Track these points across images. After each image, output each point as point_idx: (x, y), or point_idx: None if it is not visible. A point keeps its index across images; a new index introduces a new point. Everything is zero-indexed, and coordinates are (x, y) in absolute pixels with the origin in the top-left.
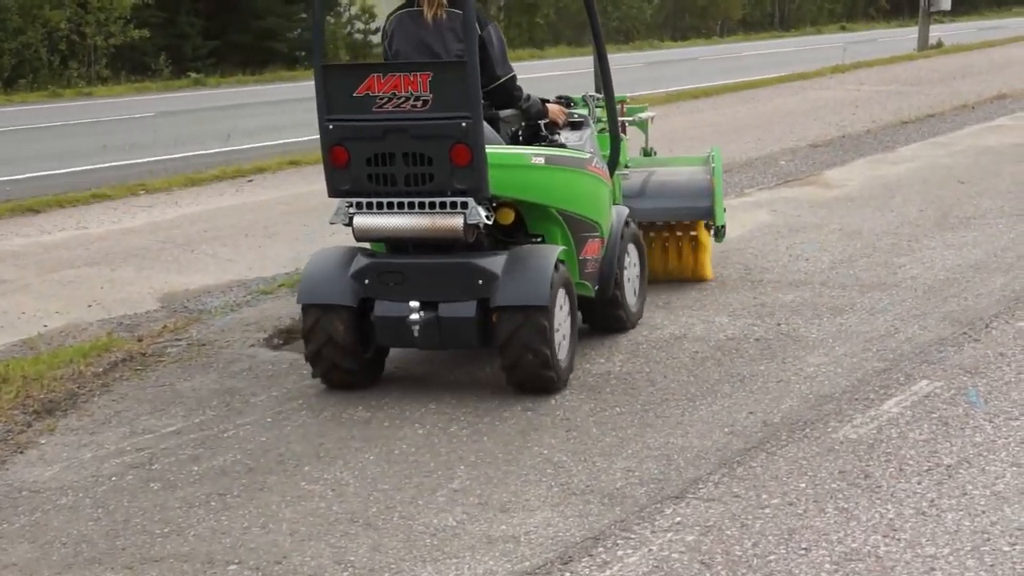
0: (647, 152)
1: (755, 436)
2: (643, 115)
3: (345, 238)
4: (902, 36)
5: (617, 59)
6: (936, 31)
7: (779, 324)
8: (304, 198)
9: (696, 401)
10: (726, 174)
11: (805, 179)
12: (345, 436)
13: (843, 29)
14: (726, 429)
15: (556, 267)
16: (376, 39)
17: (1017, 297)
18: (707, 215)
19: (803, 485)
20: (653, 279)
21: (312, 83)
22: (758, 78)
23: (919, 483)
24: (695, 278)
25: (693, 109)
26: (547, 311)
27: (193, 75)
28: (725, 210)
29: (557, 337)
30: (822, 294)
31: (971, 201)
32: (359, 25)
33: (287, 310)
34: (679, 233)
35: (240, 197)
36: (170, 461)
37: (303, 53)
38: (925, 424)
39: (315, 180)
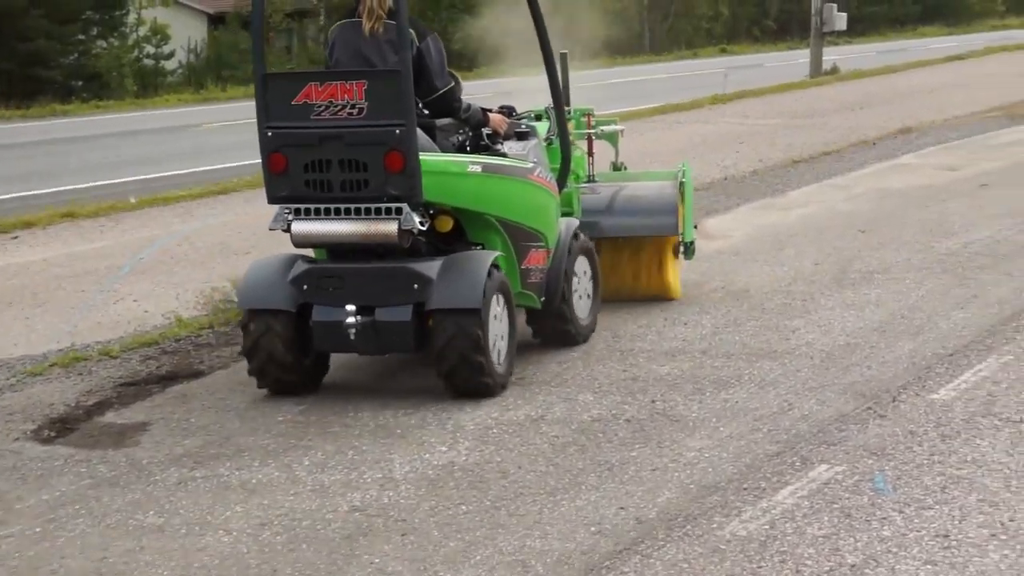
0: (617, 167)
1: (627, 536)
2: (609, 128)
3: (124, 299)
4: (792, 60)
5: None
6: (831, 54)
7: (653, 402)
8: (82, 258)
9: (557, 495)
10: None
11: None
12: (133, 548)
13: (723, 52)
14: (592, 528)
15: (491, 272)
16: (171, 65)
17: (928, 365)
18: (673, 231)
19: None
20: (619, 297)
21: (89, 119)
22: (624, 110)
23: None
24: (660, 296)
25: None
26: (480, 314)
27: None
28: (696, 227)
29: (493, 341)
30: (703, 365)
31: (874, 253)
32: (149, 49)
33: (61, 395)
34: (645, 250)
35: (2, 258)
36: None
37: (80, 83)
38: (825, 516)
39: (95, 236)
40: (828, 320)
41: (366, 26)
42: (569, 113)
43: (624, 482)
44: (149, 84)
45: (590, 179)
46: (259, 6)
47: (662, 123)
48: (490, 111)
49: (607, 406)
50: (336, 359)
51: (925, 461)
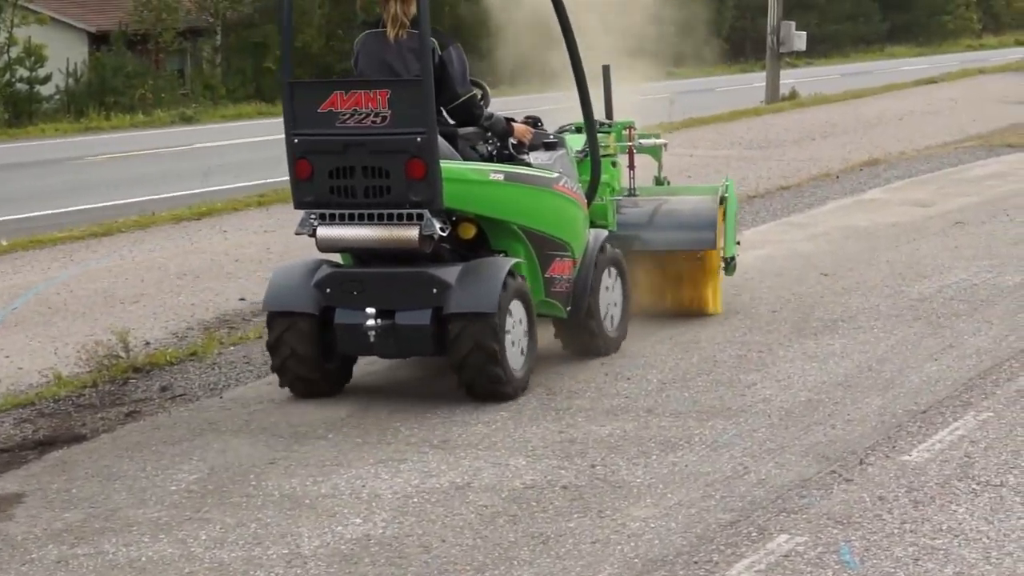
0: (660, 181)
1: None
2: (648, 141)
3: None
4: (746, 84)
5: None
6: (789, 78)
7: (593, 466)
8: None
9: (485, 572)
10: None
11: None
12: None
13: (670, 75)
14: None
15: (509, 278)
16: (47, 90)
17: (899, 423)
18: (711, 246)
19: None
20: (657, 311)
21: None
22: None
23: None
24: (700, 312)
25: None
26: (496, 318)
27: None
28: (739, 243)
29: (510, 345)
30: (649, 424)
31: (837, 299)
32: (22, 72)
33: None
34: (685, 264)
35: None
36: None
37: None
38: None
39: None
40: (787, 374)
41: (391, 33)
42: (610, 126)
43: (560, 556)
44: (22, 111)
45: (631, 193)
46: (288, 10)
47: None
48: (515, 121)
49: (541, 471)
50: (238, 423)
51: (896, 530)
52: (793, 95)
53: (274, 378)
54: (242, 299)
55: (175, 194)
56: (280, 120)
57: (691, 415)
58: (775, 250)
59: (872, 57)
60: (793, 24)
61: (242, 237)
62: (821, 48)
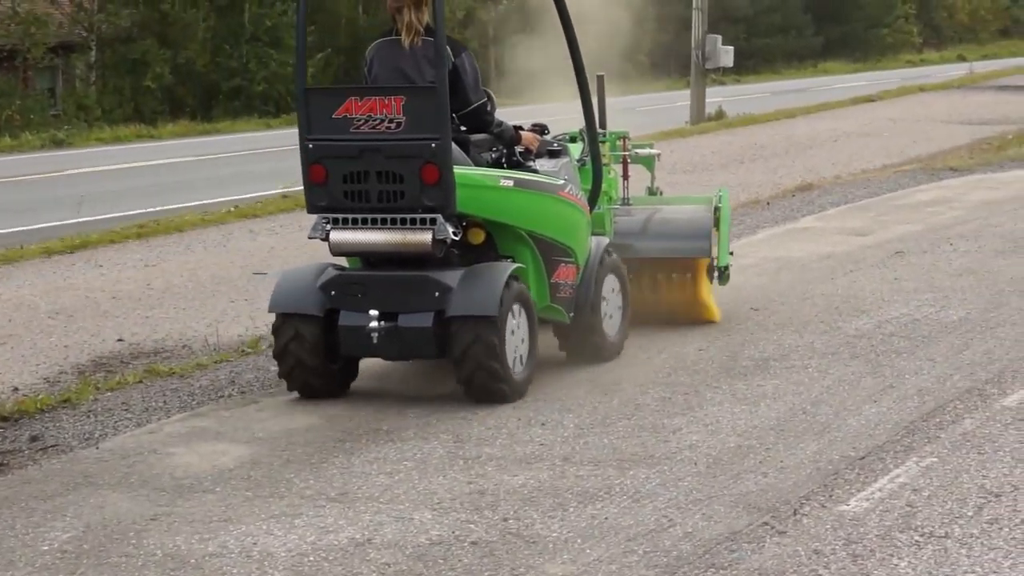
0: (653, 191)
1: None
2: (644, 151)
3: None
4: (669, 103)
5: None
6: (716, 96)
7: (505, 520)
8: None
9: None
10: None
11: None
12: None
13: None
14: None
15: (509, 282)
16: None
17: (836, 471)
18: (705, 254)
19: None
20: (652, 319)
21: None
22: None
23: None
24: (695, 319)
25: None
26: (497, 321)
27: None
28: (732, 253)
29: (511, 349)
30: (565, 474)
31: (769, 336)
32: None
33: None
34: (679, 272)
35: None
36: None
37: None
38: None
39: None
40: (715, 418)
41: (405, 41)
42: (604, 136)
43: None
44: None
45: (624, 202)
46: (302, 21)
47: None
48: (522, 129)
49: (449, 526)
50: (116, 476)
51: None
52: (720, 115)
53: (155, 426)
54: (120, 340)
55: (45, 225)
56: (162, 144)
57: (611, 463)
58: None
59: (805, 73)
60: (719, 38)
61: (120, 272)
62: (750, 64)
